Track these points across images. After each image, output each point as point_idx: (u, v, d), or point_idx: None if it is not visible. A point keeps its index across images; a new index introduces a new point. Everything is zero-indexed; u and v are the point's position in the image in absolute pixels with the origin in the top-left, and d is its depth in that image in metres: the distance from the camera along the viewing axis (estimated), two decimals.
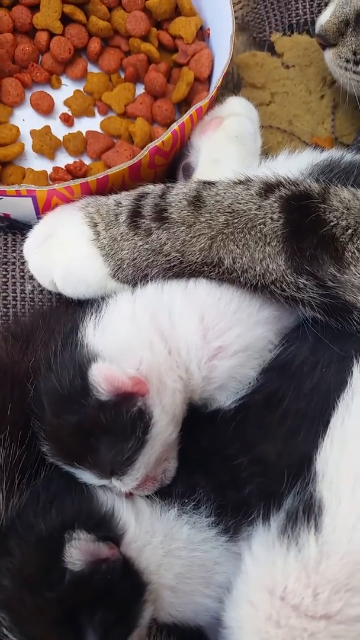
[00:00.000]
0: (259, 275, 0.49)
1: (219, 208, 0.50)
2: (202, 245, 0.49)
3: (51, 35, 0.69)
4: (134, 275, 0.52)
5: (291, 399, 0.47)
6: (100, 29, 0.70)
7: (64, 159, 0.67)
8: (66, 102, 0.70)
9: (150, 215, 0.51)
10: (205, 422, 0.49)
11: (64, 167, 0.65)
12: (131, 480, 0.46)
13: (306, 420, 0.47)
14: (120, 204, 0.53)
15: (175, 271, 0.51)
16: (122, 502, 0.47)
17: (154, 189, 0.53)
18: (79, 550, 0.43)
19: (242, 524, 0.46)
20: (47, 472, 0.48)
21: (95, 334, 0.47)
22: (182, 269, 0.50)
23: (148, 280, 0.51)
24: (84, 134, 0.68)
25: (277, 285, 0.48)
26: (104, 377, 0.43)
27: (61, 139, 0.68)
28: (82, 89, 0.71)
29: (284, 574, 0.41)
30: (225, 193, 0.50)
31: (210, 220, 0.49)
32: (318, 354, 0.49)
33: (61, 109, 0.70)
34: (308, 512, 0.41)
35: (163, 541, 0.47)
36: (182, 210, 0.50)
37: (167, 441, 0.47)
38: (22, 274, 0.60)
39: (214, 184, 0.52)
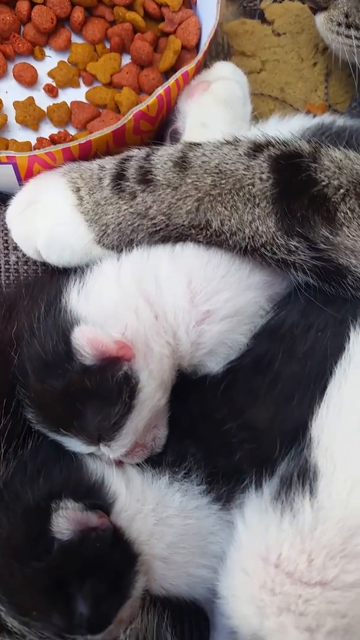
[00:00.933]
0: (249, 237, 0.47)
1: (206, 169, 0.48)
2: (189, 207, 0.48)
3: (32, 4, 0.68)
4: (120, 240, 0.50)
5: (281, 362, 0.46)
6: None
7: (48, 130, 0.66)
8: (50, 73, 0.68)
9: (135, 178, 0.50)
10: (194, 388, 0.48)
11: (48, 138, 0.64)
12: (119, 447, 0.45)
13: (300, 385, 0.46)
14: (104, 167, 0.52)
15: (162, 235, 0.49)
16: (113, 470, 0.47)
17: (139, 152, 0.52)
18: (66, 519, 0.43)
19: (234, 492, 0.45)
20: (35, 442, 0.48)
21: (79, 299, 0.46)
22: (168, 233, 0.49)
23: (134, 246, 0.50)
24: (69, 105, 0.67)
25: (268, 248, 0.47)
26: (88, 340, 0.43)
27: (45, 110, 0.67)
28: (66, 60, 0.69)
29: (278, 540, 0.40)
30: (212, 153, 0.49)
31: (197, 181, 0.48)
32: (310, 317, 0.48)
33: (45, 80, 0.68)
34: (303, 477, 0.40)
35: (155, 509, 0.46)
36: (167, 172, 0.49)
37: (156, 407, 0.46)
38: (5, 245, 0.58)
39: (200, 144, 0.50)
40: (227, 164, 0.48)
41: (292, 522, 0.40)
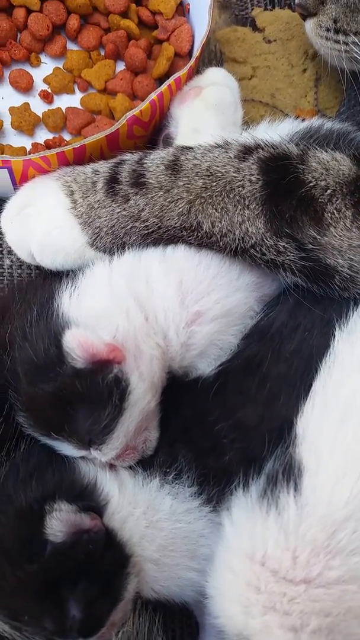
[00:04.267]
0: (239, 239, 0.48)
1: (197, 172, 0.49)
2: (181, 209, 0.48)
3: (29, 12, 0.68)
4: (113, 243, 0.51)
5: (270, 362, 0.46)
6: (78, 6, 0.69)
7: (43, 136, 0.66)
8: (46, 80, 0.69)
9: (128, 181, 0.50)
10: (185, 390, 0.48)
11: (43, 143, 0.65)
12: (110, 450, 0.45)
13: (287, 384, 0.46)
14: (98, 171, 0.53)
15: (154, 237, 0.50)
16: (105, 473, 0.47)
17: (132, 156, 0.53)
18: (60, 521, 0.43)
19: (224, 494, 0.45)
20: (28, 445, 0.48)
21: (71, 302, 0.47)
22: (160, 235, 0.49)
23: (126, 249, 0.50)
24: (64, 110, 0.67)
25: (257, 249, 0.48)
26: (79, 343, 0.43)
27: (41, 115, 0.67)
28: (61, 67, 0.70)
29: (264, 538, 0.40)
30: (203, 156, 0.49)
31: (188, 184, 0.49)
32: (298, 317, 0.48)
33: (41, 86, 0.69)
34: (288, 474, 0.40)
35: (146, 512, 0.46)
36: (159, 175, 0.49)
37: (146, 409, 0.46)
38: (0, 248, 0.59)
39: (191, 148, 0.51)
40: (217, 166, 0.49)
41: (277, 520, 0.40)
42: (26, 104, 0.67)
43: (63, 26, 0.70)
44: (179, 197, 0.48)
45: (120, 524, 0.45)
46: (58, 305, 0.46)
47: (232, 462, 0.45)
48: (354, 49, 0.59)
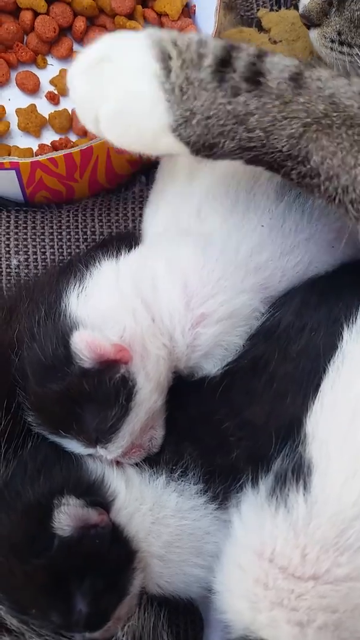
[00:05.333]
0: (342, 187, 0.42)
1: (319, 95, 0.42)
2: (293, 130, 0.42)
3: (36, 14, 0.69)
4: (201, 138, 0.42)
5: (277, 362, 0.47)
6: (85, 8, 0.70)
7: (50, 137, 0.67)
8: (52, 81, 0.70)
9: (243, 72, 0.42)
10: (192, 390, 0.49)
11: (49, 144, 0.66)
12: (116, 448, 0.46)
13: (294, 383, 0.46)
14: (206, 44, 0.43)
15: (253, 155, 0.43)
16: (112, 469, 0.48)
17: (247, 47, 0.44)
18: (67, 516, 0.43)
19: (231, 491, 0.46)
20: (35, 442, 0.48)
21: (79, 302, 0.47)
22: (261, 156, 0.43)
23: (213, 154, 0.43)
24: (70, 112, 0.68)
25: (354, 206, 0.42)
26: (87, 344, 0.43)
27: (47, 117, 0.68)
28: (68, 68, 0.71)
29: (273, 535, 0.40)
30: (326, 81, 0.43)
31: (309, 103, 0.42)
32: (305, 317, 0.48)
33: (47, 87, 0.70)
34: (297, 472, 0.41)
35: (152, 509, 0.47)
36: (281, 82, 0.42)
37: (152, 409, 0.47)
38: (7, 249, 0.59)
39: (314, 67, 0.44)
40: (341, 97, 0.43)
41: (286, 518, 0.40)
42: (33, 106, 0.68)
43: (69, 28, 0.71)
44: (295, 115, 0.42)
45: (127, 519, 0.46)
46: (66, 306, 0.47)
47: (239, 459, 0.46)
48: (359, 61, 0.59)
